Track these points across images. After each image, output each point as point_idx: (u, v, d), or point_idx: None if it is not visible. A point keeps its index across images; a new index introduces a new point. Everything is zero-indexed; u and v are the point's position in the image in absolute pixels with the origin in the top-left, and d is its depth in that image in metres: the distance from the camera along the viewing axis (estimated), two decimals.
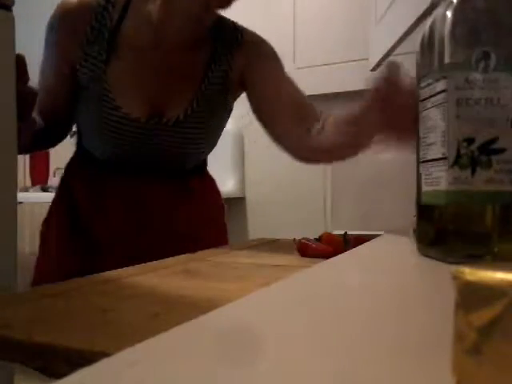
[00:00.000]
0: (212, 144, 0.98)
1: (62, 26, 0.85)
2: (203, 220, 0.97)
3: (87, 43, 0.84)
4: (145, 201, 0.91)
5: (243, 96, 0.98)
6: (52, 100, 0.89)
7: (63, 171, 0.99)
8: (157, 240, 0.89)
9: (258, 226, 2.09)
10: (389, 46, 1.15)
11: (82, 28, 0.84)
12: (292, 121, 0.93)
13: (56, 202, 0.96)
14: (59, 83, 0.88)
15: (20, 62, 0.64)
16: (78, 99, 0.87)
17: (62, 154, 2.13)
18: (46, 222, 0.96)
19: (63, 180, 0.97)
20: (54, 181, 2.22)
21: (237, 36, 0.95)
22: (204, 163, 1.03)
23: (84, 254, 0.89)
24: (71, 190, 0.93)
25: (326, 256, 0.57)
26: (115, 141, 0.87)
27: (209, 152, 0.99)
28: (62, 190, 0.95)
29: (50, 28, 0.87)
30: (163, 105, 0.88)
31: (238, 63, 0.95)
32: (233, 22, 0.97)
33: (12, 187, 0.77)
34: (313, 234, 0.87)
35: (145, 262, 0.66)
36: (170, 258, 0.71)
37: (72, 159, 0.98)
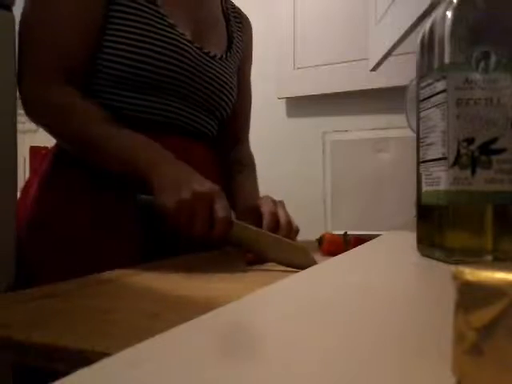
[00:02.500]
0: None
1: None
2: None
3: None
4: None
5: None
6: (84, 47, 0.75)
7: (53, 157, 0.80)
8: None
9: None
10: (389, 46, 1.15)
11: None
12: (230, 128, 1.00)
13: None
14: (90, 18, 0.74)
15: None
16: (113, 32, 0.75)
17: None
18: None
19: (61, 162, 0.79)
20: None
21: (238, 10, 1.01)
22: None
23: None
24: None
25: None
26: (162, 71, 0.77)
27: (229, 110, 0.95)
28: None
29: None
30: (203, 39, 0.87)
31: (243, 40, 0.99)
32: None
33: (12, 187, 0.76)
34: (313, 234, 0.87)
35: None
36: (170, 258, 0.71)
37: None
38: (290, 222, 0.75)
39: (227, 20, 0.96)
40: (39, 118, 0.74)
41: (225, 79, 0.89)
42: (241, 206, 0.85)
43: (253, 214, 0.76)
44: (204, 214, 0.63)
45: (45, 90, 0.72)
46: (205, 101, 0.87)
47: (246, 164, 0.99)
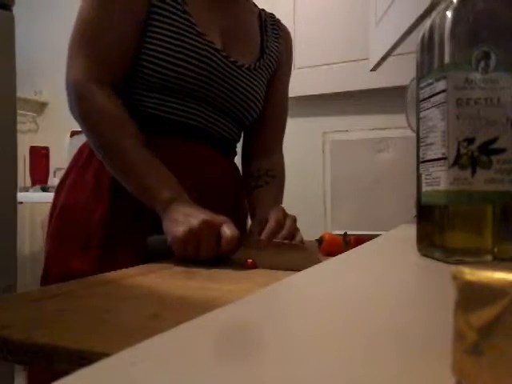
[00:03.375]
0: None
1: None
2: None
3: None
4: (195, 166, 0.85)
5: None
6: (125, 52, 0.78)
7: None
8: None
9: None
10: (389, 46, 1.15)
11: None
12: (260, 140, 1.02)
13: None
14: (133, 25, 0.78)
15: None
16: (147, 36, 0.79)
17: (61, 154, 2.13)
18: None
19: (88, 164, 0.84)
20: (54, 181, 2.21)
21: (277, 22, 1.03)
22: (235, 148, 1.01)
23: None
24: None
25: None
26: (190, 79, 0.81)
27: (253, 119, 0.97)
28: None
29: None
30: (232, 49, 0.88)
31: (280, 51, 1.01)
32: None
33: (12, 187, 0.77)
34: (313, 234, 0.87)
35: None
36: (170, 259, 0.71)
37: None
38: (292, 230, 0.77)
39: (263, 31, 0.98)
40: (80, 114, 0.76)
41: (250, 89, 0.91)
42: (258, 216, 0.88)
43: (263, 224, 0.79)
44: (211, 240, 0.66)
45: (91, 89, 0.75)
46: (227, 108, 0.89)
47: (274, 175, 1.00)
